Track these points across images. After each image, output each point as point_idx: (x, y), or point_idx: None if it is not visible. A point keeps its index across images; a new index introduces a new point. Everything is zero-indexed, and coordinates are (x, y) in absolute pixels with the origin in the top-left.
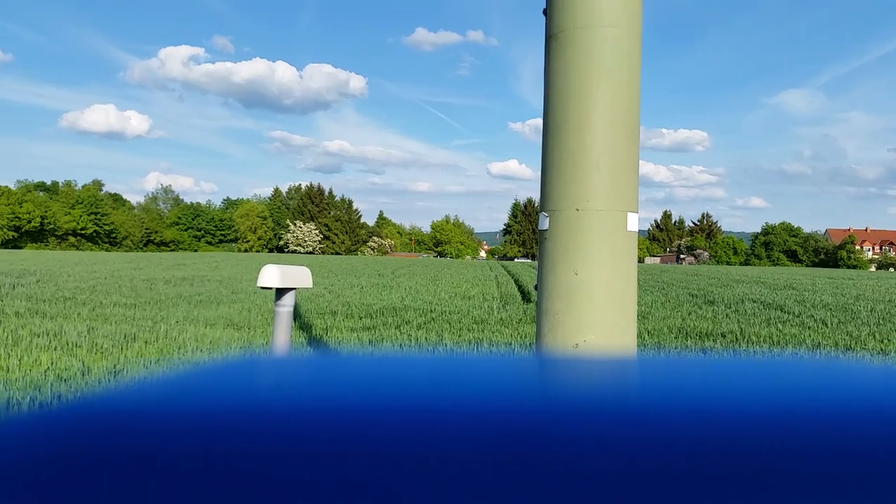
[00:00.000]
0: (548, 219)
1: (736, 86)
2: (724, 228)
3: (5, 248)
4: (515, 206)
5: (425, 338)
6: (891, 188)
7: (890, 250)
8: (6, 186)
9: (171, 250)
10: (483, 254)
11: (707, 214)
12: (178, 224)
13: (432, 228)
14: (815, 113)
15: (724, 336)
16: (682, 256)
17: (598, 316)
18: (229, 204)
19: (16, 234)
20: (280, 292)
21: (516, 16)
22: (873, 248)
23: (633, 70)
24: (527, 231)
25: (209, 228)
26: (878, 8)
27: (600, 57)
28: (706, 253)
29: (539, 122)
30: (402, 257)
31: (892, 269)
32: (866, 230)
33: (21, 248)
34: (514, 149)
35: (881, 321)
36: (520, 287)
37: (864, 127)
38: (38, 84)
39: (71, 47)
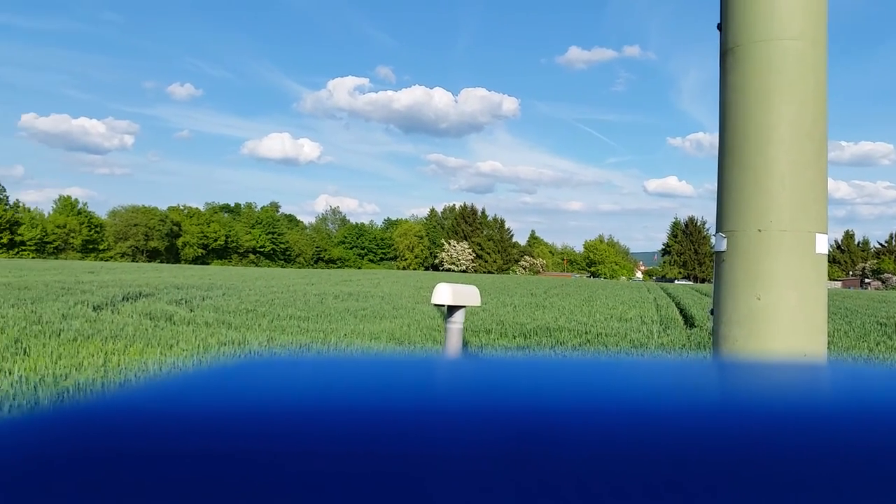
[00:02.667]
0: (725, 240)
1: None
2: None
3: (195, 263)
4: (675, 224)
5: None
6: None
7: None
8: (196, 208)
9: (338, 267)
10: (639, 275)
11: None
12: (344, 242)
13: (585, 248)
14: None
15: None
16: (867, 281)
17: (784, 344)
18: (389, 224)
19: (203, 252)
20: (451, 310)
21: (675, 28)
22: None
23: (819, 82)
24: (688, 251)
25: (371, 247)
26: None
27: (782, 70)
28: (895, 277)
29: (702, 136)
30: (554, 277)
31: None
32: None
33: (208, 264)
34: (673, 165)
35: None
36: (682, 310)
37: None
38: (224, 115)
39: (251, 81)
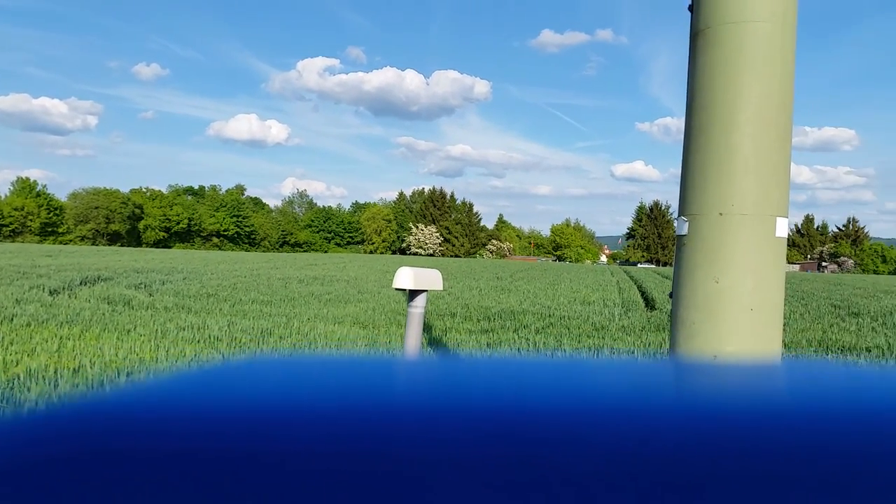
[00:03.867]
0: (687, 223)
1: (887, 81)
2: (871, 234)
3: (157, 247)
4: (640, 208)
5: (543, 342)
6: None
7: None
8: (159, 191)
9: (305, 251)
10: (604, 258)
11: (853, 219)
12: (310, 226)
13: (552, 232)
14: None
15: (869, 351)
16: (824, 264)
17: (741, 326)
18: (357, 207)
19: (166, 235)
20: (413, 294)
21: (647, 12)
22: None
23: (786, 67)
24: (652, 235)
25: (339, 231)
26: None
27: (752, 53)
28: (851, 261)
29: (669, 121)
30: (520, 261)
31: None
32: None
33: (170, 247)
34: (641, 150)
35: None
36: (644, 293)
37: None
38: (190, 96)
39: (219, 61)
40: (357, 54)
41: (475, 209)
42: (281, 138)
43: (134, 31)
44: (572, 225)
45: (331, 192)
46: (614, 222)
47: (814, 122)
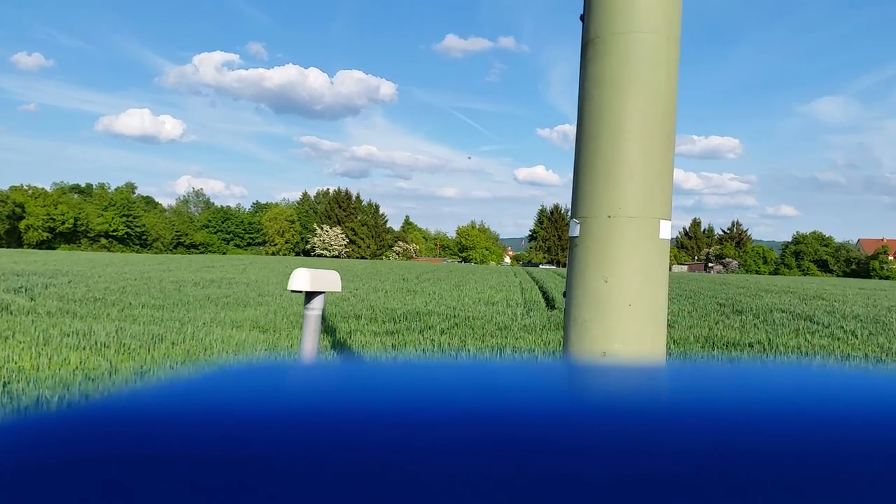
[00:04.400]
0: (578, 225)
1: (769, 93)
2: (753, 237)
3: (39, 248)
4: (542, 212)
5: (448, 343)
6: None
7: None
8: (42, 189)
9: (201, 253)
10: (508, 260)
11: (737, 222)
12: (207, 227)
13: (458, 234)
14: (849, 121)
15: (751, 346)
16: (710, 265)
17: (628, 324)
18: (259, 208)
19: (50, 236)
20: (310, 296)
21: (548, 22)
22: None
23: (670, 76)
24: (552, 237)
25: (238, 231)
26: None
27: (638, 63)
28: (735, 262)
29: (567, 128)
30: (426, 262)
31: None
32: None
33: (55, 248)
34: (542, 155)
35: None
36: (544, 293)
37: None
38: (77, 88)
39: (109, 52)
40: (257, 50)
41: (381, 210)
42: (175, 134)
43: (14, 16)
44: (477, 227)
45: (230, 192)
46: (517, 225)
47: (701, 131)
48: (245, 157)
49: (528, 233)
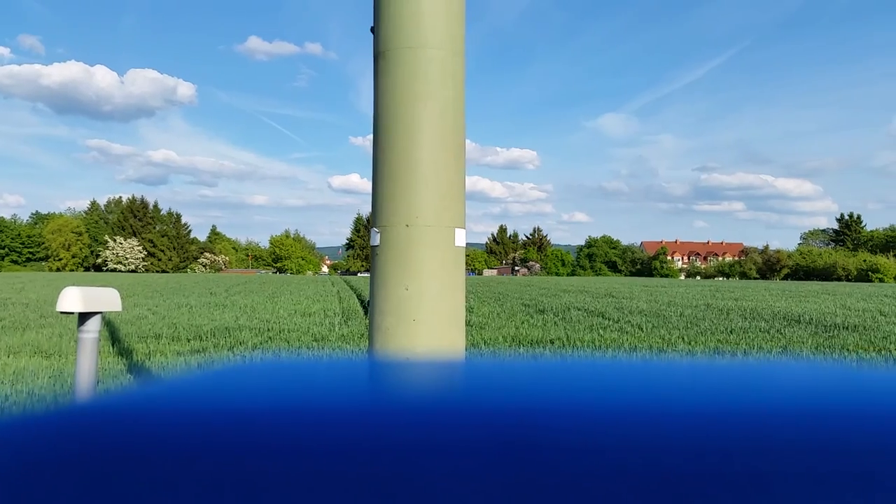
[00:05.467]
0: (379, 234)
1: (561, 109)
2: (552, 241)
3: None
4: (358, 220)
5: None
6: (696, 204)
7: (696, 260)
8: None
9: None
10: (325, 269)
11: (538, 229)
12: None
13: (271, 243)
14: (629, 135)
15: (552, 342)
16: (516, 268)
17: (428, 329)
18: (39, 218)
19: None
20: (84, 317)
21: (354, 30)
22: (682, 259)
23: (457, 90)
24: (369, 245)
25: (14, 246)
26: (685, 42)
27: (426, 77)
28: (538, 265)
29: None
30: (237, 274)
31: (698, 278)
32: (676, 242)
33: None
34: (356, 163)
35: (689, 325)
36: (362, 302)
37: (672, 148)
38: None
39: None
40: (32, 43)
41: (184, 220)
42: None
43: None
44: (292, 236)
45: (3, 201)
46: (334, 233)
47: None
48: (20, 161)
49: (346, 241)
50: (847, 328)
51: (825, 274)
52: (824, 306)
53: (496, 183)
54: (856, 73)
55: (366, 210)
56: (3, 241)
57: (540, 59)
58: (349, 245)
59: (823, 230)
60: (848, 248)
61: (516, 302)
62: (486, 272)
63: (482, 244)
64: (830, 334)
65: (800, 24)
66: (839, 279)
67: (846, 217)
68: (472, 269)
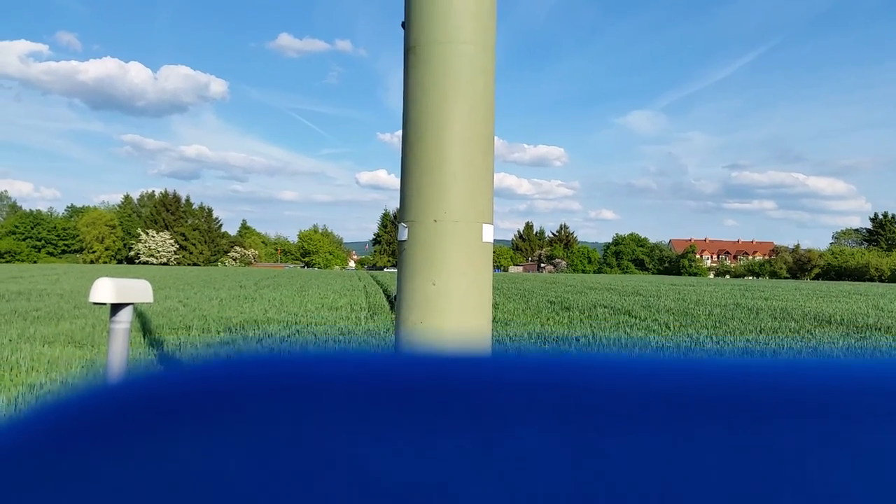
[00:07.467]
0: (406, 230)
1: (589, 105)
2: (579, 239)
3: None
4: (385, 215)
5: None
6: (726, 202)
7: (726, 259)
8: None
9: (7, 262)
10: (352, 264)
11: (564, 226)
12: (14, 233)
13: (299, 238)
14: (658, 132)
15: (577, 340)
16: (542, 265)
17: (456, 325)
18: (74, 212)
19: None
20: (116, 308)
21: (383, 26)
22: (711, 257)
23: (487, 86)
24: (396, 241)
25: (51, 238)
26: (714, 38)
27: (457, 72)
28: (564, 262)
29: None
30: (267, 268)
31: (727, 277)
32: (705, 240)
33: None
34: (383, 159)
35: (717, 324)
36: (388, 296)
37: (701, 145)
38: None
39: None
40: (70, 40)
41: (215, 214)
42: None
43: None
44: (320, 231)
45: (40, 194)
46: (361, 228)
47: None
48: (57, 156)
49: (373, 236)
50: (880, 329)
51: (857, 274)
52: (856, 307)
53: (523, 180)
54: (890, 71)
55: (392, 206)
56: (39, 233)
57: (568, 56)
58: (376, 240)
59: (856, 230)
60: (882, 248)
61: (542, 299)
62: (512, 269)
63: (508, 241)
64: (863, 335)
65: (832, 21)
66: (872, 280)
67: (880, 217)
68: (498, 265)
